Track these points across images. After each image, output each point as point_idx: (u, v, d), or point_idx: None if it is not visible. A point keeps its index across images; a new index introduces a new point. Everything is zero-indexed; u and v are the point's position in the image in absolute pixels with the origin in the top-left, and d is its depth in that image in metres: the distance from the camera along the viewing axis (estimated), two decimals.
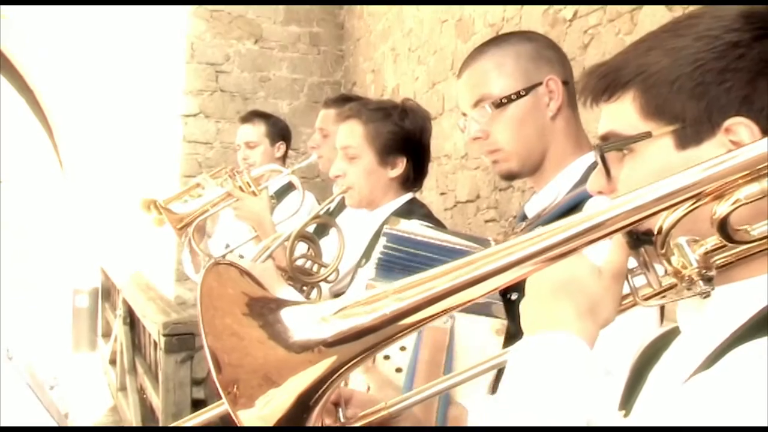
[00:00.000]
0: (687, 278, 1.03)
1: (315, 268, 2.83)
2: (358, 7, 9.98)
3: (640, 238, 1.06)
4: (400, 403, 1.34)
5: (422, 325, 1.01)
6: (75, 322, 9.38)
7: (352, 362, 0.98)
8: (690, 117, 1.08)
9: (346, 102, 3.24)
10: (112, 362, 7.39)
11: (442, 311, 1.00)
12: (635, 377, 1.24)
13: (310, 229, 2.94)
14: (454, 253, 1.75)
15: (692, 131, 1.08)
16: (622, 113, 1.14)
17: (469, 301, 1.01)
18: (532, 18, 5.66)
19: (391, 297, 0.99)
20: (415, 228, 1.90)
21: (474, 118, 1.96)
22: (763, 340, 0.92)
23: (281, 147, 4.24)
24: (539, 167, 1.97)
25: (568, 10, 5.23)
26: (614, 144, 1.14)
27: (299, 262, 2.80)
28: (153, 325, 5.20)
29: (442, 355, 1.66)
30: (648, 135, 1.10)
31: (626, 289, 1.13)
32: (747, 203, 0.97)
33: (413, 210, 2.57)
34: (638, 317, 1.28)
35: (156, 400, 5.20)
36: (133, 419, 5.90)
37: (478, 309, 1.66)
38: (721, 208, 0.98)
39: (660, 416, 0.91)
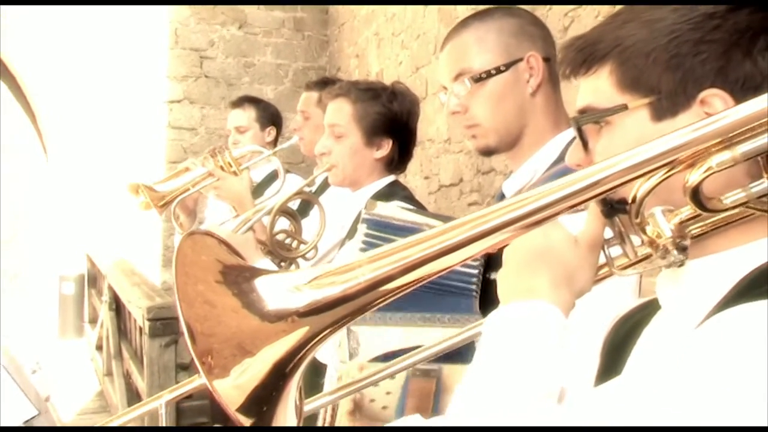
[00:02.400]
0: (661, 248, 1.04)
1: (294, 244, 2.85)
2: None
3: (614, 207, 1.08)
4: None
5: (398, 293, 1.02)
6: (61, 308, 9.36)
7: (327, 331, 0.99)
8: (665, 89, 1.09)
9: (327, 85, 3.25)
10: (99, 348, 7.40)
11: (418, 279, 1.01)
12: (613, 353, 1.25)
13: (294, 206, 2.95)
14: None
15: (668, 103, 1.09)
16: (599, 86, 1.15)
17: (446, 269, 1.01)
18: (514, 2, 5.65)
19: (366, 266, 1.00)
20: (393, 211, 1.91)
21: (453, 92, 1.95)
22: (745, 306, 0.93)
23: (271, 132, 4.24)
24: (517, 144, 1.96)
25: None
26: (590, 117, 1.14)
27: (279, 237, 2.82)
28: (137, 309, 5.21)
29: (429, 402, 1.66)
30: (624, 107, 1.11)
31: (602, 259, 1.15)
32: (718, 171, 0.98)
33: (395, 192, 2.58)
34: (614, 288, 1.30)
35: (142, 385, 5.21)
36: (119, 404, 5.91)
37: (463, 358, 1.65)
38: (693, 176, 0.98)
39: (649, 378, 0.91)
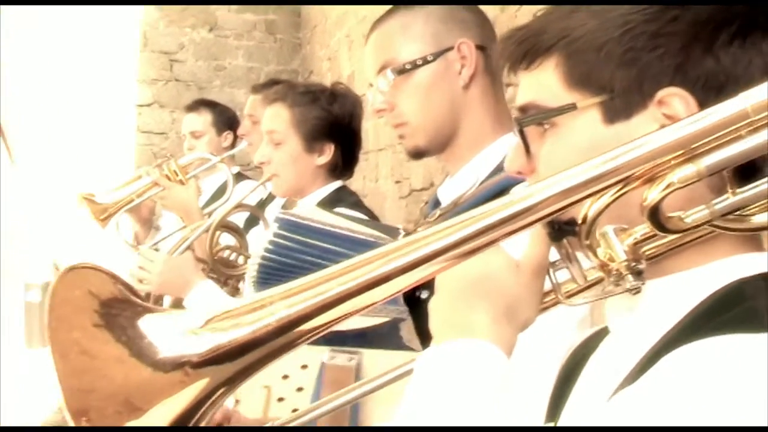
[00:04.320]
0: (614, 272, 0.93)
1: (241, 260, 2.73)
2: None
3: (562, 229, 0.95)
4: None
5: (319, 333, 0.90)
6: (27, 316, 9.17)
7: (235, 381, 0.85)
8: (619, 87, 0.96)
9: (274, 86, 3.15)
10: None
11: (340, 317, 0.89)
12: (561, 385, 1.13)
13: (241, 220, 2.84)
14: (356, 244, 1.61)
15: (621, 103, 0.96)
16: (543, 82, 1.02)
17: (369, 305, 0.90)
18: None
19: (278, 303, 0.87)
20: (313, 213, 1.77)
21: (377, 87, 1.77)
22: (696, 345, 0.82)
23: (228, 137, 4.13)
24: (450, 144, 1.78)
25: None
26: (534, 117, 1.01)
27: (225, 254, 2.70)
28: None
29: None
30: (572, 107, 0.98)
31: (548, 285, 1.03)
32: (681, 187, 0.86)
33: (342, 198, 2.47)
34: (566, 316, 1.18)
35: None
36: None
37: (386, 341, 1.53)
38: (653, 194, 0.87)
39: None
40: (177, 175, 3.15)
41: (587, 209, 0.90)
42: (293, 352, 0.90)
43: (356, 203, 2.49)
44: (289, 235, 1.74)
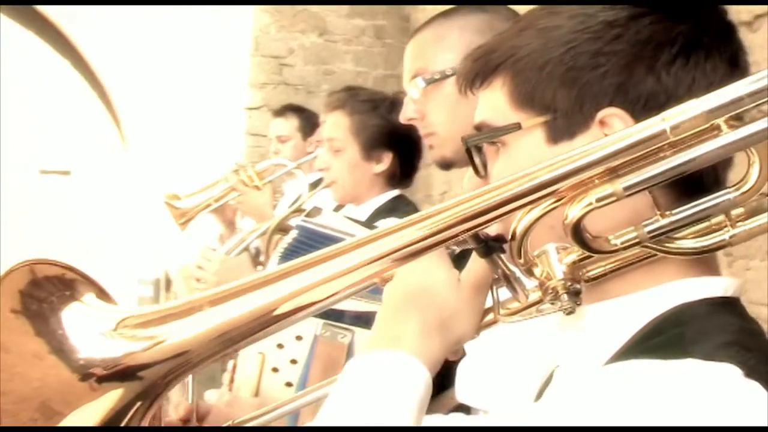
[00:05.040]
0: (550, 291, 0.92)
1: None
2: None
3: (489, 245, 0.94)
4: (248, 422, 1.25)
5: (247, 340, 0.92)
6: None
7: (145, 397, 0.81)
8: (561, 107, 0.95)
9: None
10: None
11: (265, 323, 0.90)
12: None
13: None
14: None
15: (564, 123, 0.96)
16: (493, 101, 1.02)
17: (304, 311, 0.91)
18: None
19: (207, 310, 0.89)
20: (335, 222, 1.78)
21: (409, 96, 1.77)
22: (606, 369, 0.81)
23: (314, 142, 4.18)
24: None
25: None
26: (481, 136, 1.02)
27: None
28: None
29: (337, 372, 1.54)
30: (517, 127, 0.98)
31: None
32: (599, 207, 0.85)
33: (397, 207, 2.48)
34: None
35: None
36: None
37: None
38: (573, 212, 0.86)
39: None
40: (253, 180, 3.22)
41: (515, 225, 0.90)
42: None
43: (411, 213, 2.47)
44: (306, 242, 1.76)
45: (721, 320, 0.88)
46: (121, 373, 0.81)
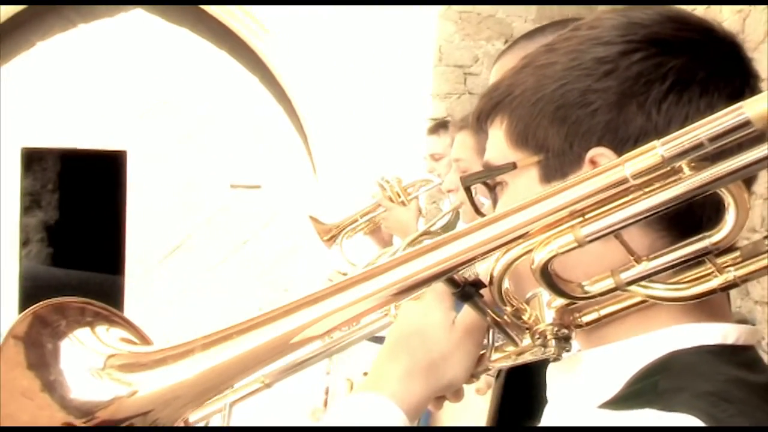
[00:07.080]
0: (539, 335, 0.89)
1: None
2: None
3: (466, 291, 0.91)
4: None
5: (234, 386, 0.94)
6: None
7: None
8: (552, 146, 0.93)
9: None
10: None
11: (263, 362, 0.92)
12: None
13: None
14: None
15: (556, 162, 0.93)
16: (495, 140, 1.01)
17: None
18: None
19: (199, 354, 0.91)
20: None
21: None
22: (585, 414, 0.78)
23: None
24: None
25: None
26: (476, 176, 1.01)
27: None
28: None
29: None
30: (512, 166, 0.96)
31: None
32: (562, 253, 0.82)
33: None
34: None
35: None
36: None
37: None
38: (538, 256, 0.83)
39: None
40: (399, 196, 3.23)
41: (492, 268, 0.87)
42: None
43: None
44: None
45: (709, 369, 0.82)
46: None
